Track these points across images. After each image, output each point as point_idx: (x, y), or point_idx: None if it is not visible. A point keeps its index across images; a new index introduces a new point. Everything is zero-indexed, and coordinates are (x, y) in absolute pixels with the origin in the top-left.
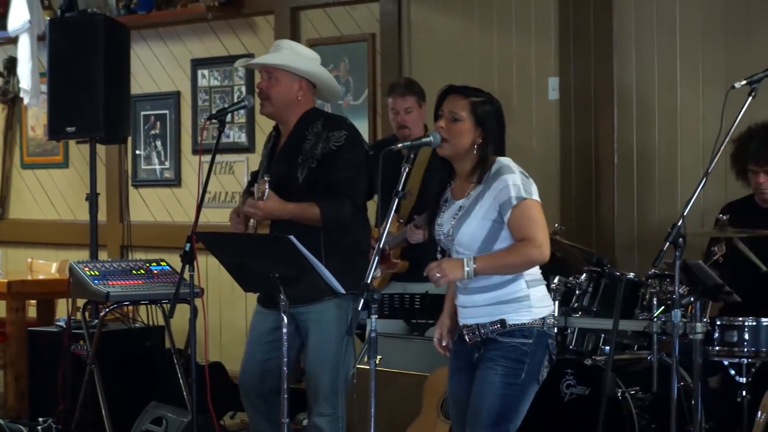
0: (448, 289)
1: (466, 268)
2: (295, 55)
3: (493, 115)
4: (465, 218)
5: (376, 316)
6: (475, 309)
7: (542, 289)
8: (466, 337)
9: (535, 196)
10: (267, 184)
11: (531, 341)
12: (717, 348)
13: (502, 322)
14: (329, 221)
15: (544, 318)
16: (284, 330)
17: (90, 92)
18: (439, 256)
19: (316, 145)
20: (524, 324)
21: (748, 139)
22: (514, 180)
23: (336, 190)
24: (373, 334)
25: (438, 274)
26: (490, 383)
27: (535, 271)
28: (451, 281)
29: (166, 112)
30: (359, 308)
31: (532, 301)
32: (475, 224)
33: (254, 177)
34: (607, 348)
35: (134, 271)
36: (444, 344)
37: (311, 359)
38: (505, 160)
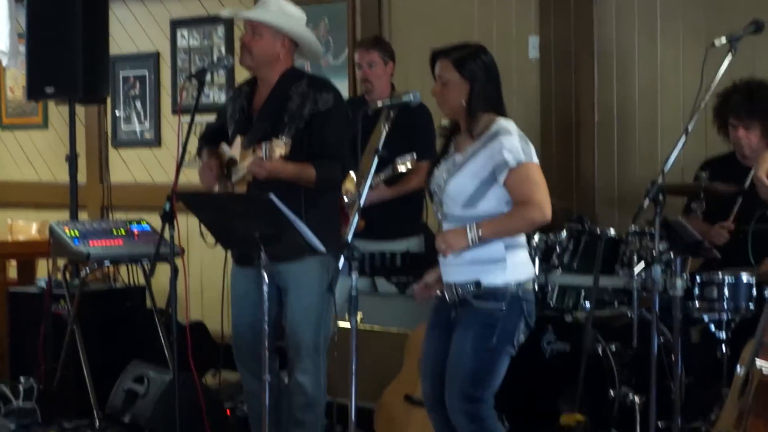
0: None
1: (470, 236)
2: (282, 14)
3: (480, 68)
4: (457, 172)
5: (357, 274)
6: (453, 268)
7: (522, 254)
8: (446, 295)
9: (535, 159)
10: (285, 149)
11: (503, 305)
12: (697, 304)
13: (477, 283)
14: (322, 182)
15: (520, 283)
16: (265, 288)
17: (69, 53)
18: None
19: (303, 106)
20: (498, 286)
21: (730, 94)
22: (511, 142)
23: (327, 152)
24: (354, 292)
25: (444, 246)
26: (463, 350)
27: (517, 237)
28: (458, 251)
29: (146, 72)
30: (339, 266)
31: (508, 264)
32: (463, 180)
33: (212, 129)
34: (588, 304)
35: (114, 231)
36: (419, 287)
37: (293, 317)
38: (504, 122)
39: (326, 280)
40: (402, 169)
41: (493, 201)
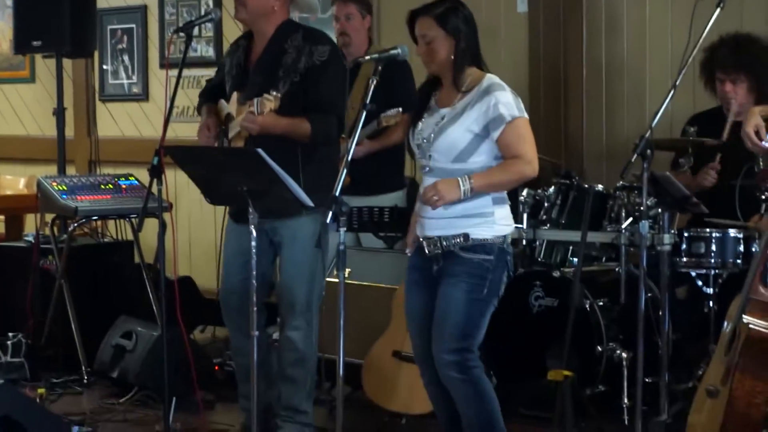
0: (417, 199)
1: (463, 187)
2: None
3: (462, 22)
4: (448, 126)
5: (345, 229)
6: (439, 221)
7: (506, 209)
8: (426, 249)
9: (525, 114)
10: (275, 103)
11: (492, 257)
12: (684, 259)
13: (466, 236)
14: (318, 137)
15: (505, 236)
16: (253, 243)
17: (56, 6)
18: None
19: (299, 59)
20: (486, 240)
21: (717, 47)
22: (506, 98)
23: (322, 106)
24: (341, 247)
25: (435, 197)
26: (455, 300)
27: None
28: (448, 203)
29: (133, 26)
30: (327, 221)
31: (496, 217)
32: (457, 133)
33: (212, 85)
34: (576, 260)
35: (102, 186)
36: (412, 239)
37: (287, 273)
38: (494, 78)
39: None
40: (389, 122)
41: (484, 155)
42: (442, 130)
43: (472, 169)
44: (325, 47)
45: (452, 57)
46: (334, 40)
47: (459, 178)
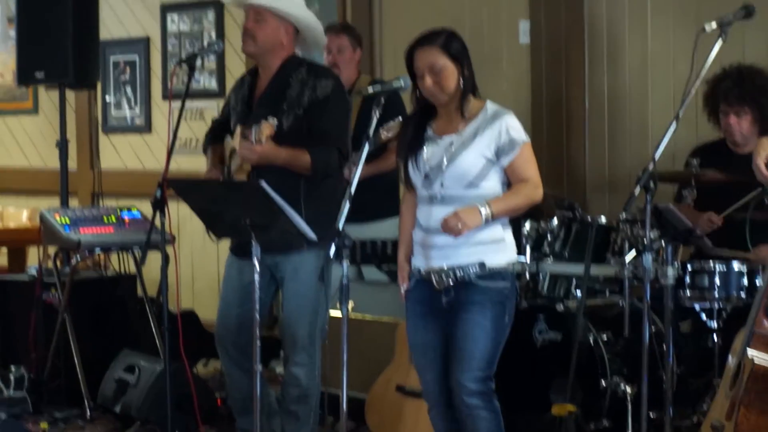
0: (401, 233)
1: (484, 214)
2: (292, 3)
3: (461, 47)
4: (462, 151)
5: (348, 262)
6: (448, 250)
7: (511, 233)
8: (434, 281)
9: (528, 138)
10: (272, 128)
11: (509, 284)
12: (688, 293)
13: (482, 264)
14: (318, 170)
15: (514, 262)
16: (257, 277)
17: (58, 37)
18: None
19: (303, 93)
20: (502, 266)
21: (721, 80)
22: (515, 122)
23: (325, 139)
24: (345, 281)
25: (459, 225)
26: (482, 327)
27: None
28: (471, 229)
29: (136, 57)
30: (330, 254)
31: (507, 243)
32: (471, 158)
33: (217, 123)
34: (579, 293)
35: (105, 219)
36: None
37: (289, 308)
38: (496, 104)
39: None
40: (389, 134)
41: (494, 180)
42: (455, 156)
43: (484, 194)
44: (328, 81)
45: (460, 84)
46: None
47: (479, 205)
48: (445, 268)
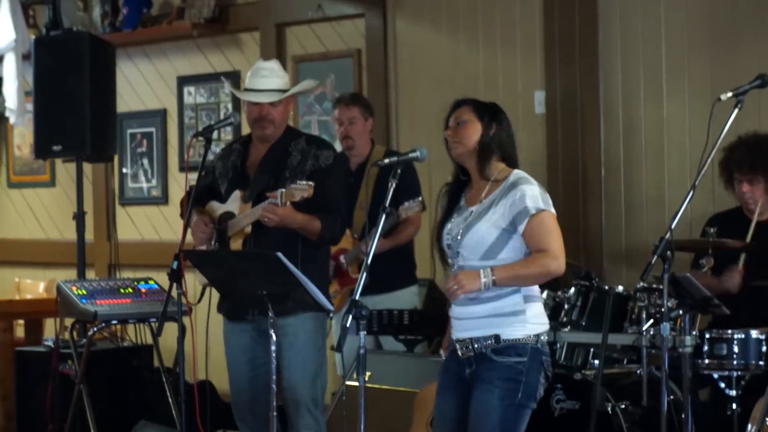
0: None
1: (484, 279)
2: (285, 76)
3: (497, 118)
4: (475, 222)
5: (365, 332)
6: (469, 321)
7: (539, 306)
8: (459, 352)
9: (553, 210)
10: (310, 189)
11: (525, 359)
12: (707, 361)
13: (497, 337)
14: (326, 236)
15: (538, 335)
16: (273, 347)
17: (76, 110)
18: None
19: (305, 162)
20: (518, 340)
21: (735, 148)
22: (533, 191)
23: (330, 207)
24: (362, 351)
25: (455, 287)
26: (489, 406)
27: (534, 288)
28: (468, 293)
29: (153, 129)
30: (347, 324)
31: (528, 316)
32: (484, 229)
33: (200, 188)
34: (597, 362)
35: (122, 290)
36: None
37: (291, 373)
38: (522, 173)
39: (321, 334)
40: (409, 214)
41: (512, 252)
42: (470, 227)
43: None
44: (329, 152)
45: (479, 143)
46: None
47: (481, 270)
48: (466, 339)
